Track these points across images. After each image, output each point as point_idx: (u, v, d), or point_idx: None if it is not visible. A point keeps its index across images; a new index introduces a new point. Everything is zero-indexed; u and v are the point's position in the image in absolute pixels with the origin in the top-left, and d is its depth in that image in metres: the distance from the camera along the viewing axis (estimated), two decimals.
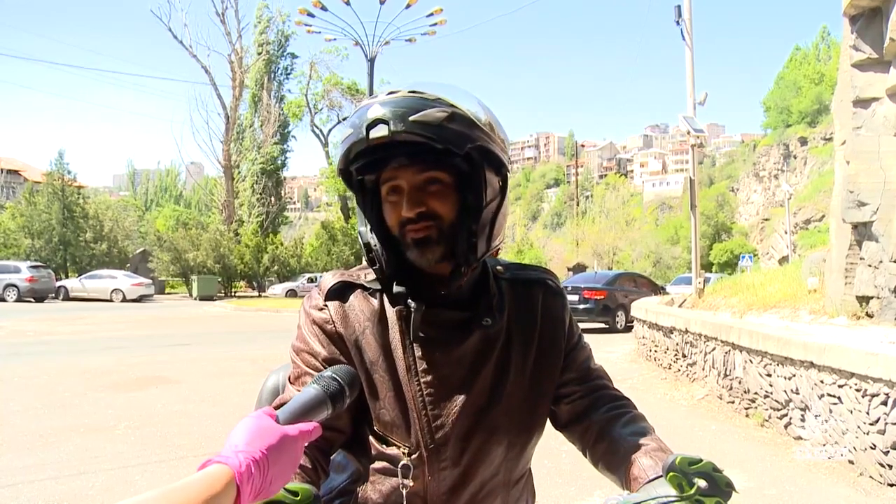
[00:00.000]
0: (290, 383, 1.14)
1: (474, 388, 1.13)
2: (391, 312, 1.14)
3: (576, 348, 1.26)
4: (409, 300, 1.11)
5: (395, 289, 1.12)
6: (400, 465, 1.10)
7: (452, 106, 1.04)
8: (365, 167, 1.10)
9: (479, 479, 1.14)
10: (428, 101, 1.02)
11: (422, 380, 1.11)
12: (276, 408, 1.09)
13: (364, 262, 1.20)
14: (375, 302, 1.16)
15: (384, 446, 1.13)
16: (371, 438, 1.14)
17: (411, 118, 1.00)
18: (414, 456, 1.11)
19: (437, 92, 1.05)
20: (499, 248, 1.20)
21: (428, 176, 1.08)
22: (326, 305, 1.16)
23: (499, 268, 1.24)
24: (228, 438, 0.83)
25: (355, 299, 1.16)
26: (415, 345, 1.12)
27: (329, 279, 1.19)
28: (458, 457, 1.12)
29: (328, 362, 1.12)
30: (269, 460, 0.81)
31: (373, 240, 1.12)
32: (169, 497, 0.72)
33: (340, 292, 1.17)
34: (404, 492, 1.10)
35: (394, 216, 1.10)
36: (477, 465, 1.13)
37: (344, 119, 41.35)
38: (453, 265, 1.10)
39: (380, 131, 1.00)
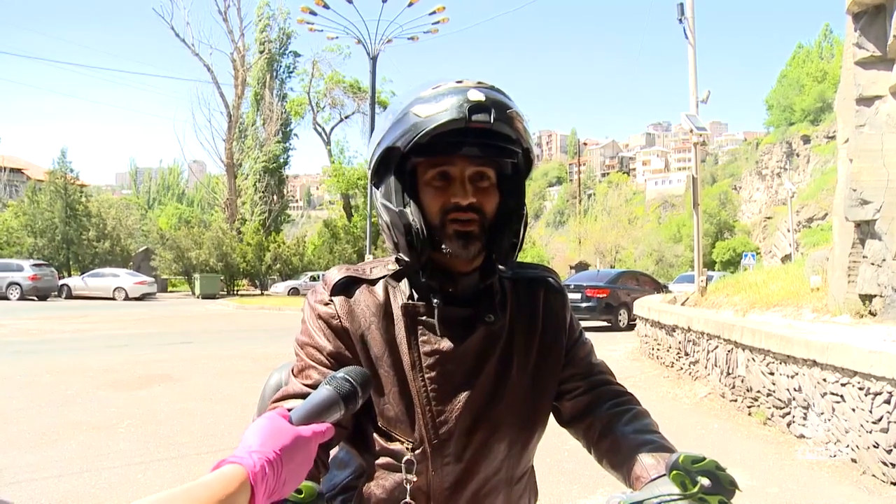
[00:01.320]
0: (294, 376, 1.14)
1: (477, 385, 1.13)
2: (397, 308, 1.14)
3: (577, 344, 1.27)
4: (433, 297, 1.12)
5: (426, 282, 1.13)
6: (403, 461, 1.10)
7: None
8: (420, 149, 1.06)
9: (481, 475, 1.14)
10: (511, 99, 1.07)
11: (426, 375, 1.11)
12: (278, 400, 1.10)
13: (369, 259, 1.20)
14: (381, 297, 1.16)
15: (387, 441, 1.13)
16: (374, 434, 1.14)
17: (508, 111, 1.03)
18: (417, 451, 1.11)
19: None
20: None
21: (479, 170, 1.10)
22: (332, 300, 1.15)
23: (501, 266, 1.24)
24: (242, 439, 0.84)
25: (361, 294, 1.16)
26: (421, 340, 1.12)
27: (335, 274, 1.19)
28: (461, 453, 1.12)
29: (333, 356, 1.12)
30: (283, 461, 0.82)
31: (417, 222, 1.08)
32: (183, 497, 0.72)
33: (346, 287, 1.16)
34: (408, 487, 1.10)
35: (437, 202, 1.09)
36: (480, 462, 1.13)
37: (347, 117, 41.51)
38: (481, 262, 1.13)
39: (482, 117, 1.01)
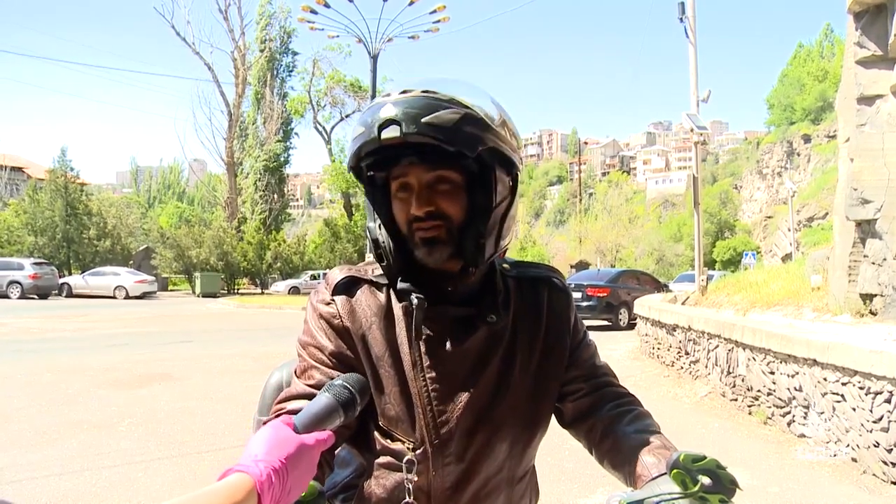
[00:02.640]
0: (297, 377, 1.15)
1: (479, 385, 1.13)
2: (398, 308, 1.15)
3: (581, 346, 1.26)
4: (414, 296, 1.10)
5: (401, 285, 1.12)
6: (404, 461, 1.10)
7: (465, 107, 1.03)
8: (375, 164, 1.10)
9: (482, 475, 1.14)
10: (441, 102, 1.02)
11: (427, 375, 1.11)
12: (282, 401, 1.10)
13: (370, 258, 1.20)
14: (382, 297, 1.16)
15: (388, 441, 1.13)
16: (375, 433, 1.14)
17: (423, 120, 1.00)
18: (418, 451, 1.11)
19: (450, 90, 1.04)
20: (507, 248, 1.20)
21: (438, 175, 1.08)
22: (334, 300, 1.16)
23: (505, 265, 1.24)
24: (247, 447, 0.85)
25: (362, 294, 1.16)
26: (421, 340, 1.12)
27: (336, 274, 1.19)
28: (462, 452, 1.12)
29: (335, 356, 1.13)
30: (288, 469, 0.83)
31: (381, 236, 1.12)
32: None
33: (347, 287, 1.17)
34: (410, 487, 1.10)
35: (402, 213, 1.10)
36: (481, 462, 1.13)
37: (348, 116, 41.65)
38: (461, 264, 1.11)
39: (391, 132, 1.00)
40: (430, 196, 1.08)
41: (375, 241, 1.13)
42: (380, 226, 1.13)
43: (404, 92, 1.04)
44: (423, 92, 1.03)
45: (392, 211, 1.13)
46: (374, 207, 1.14)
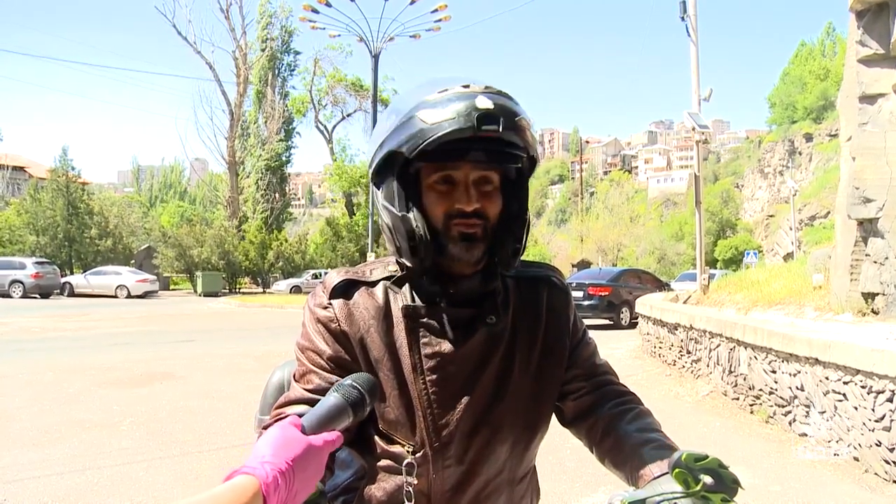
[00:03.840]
0: (295, 381, 1.14)
1: (479, 386, 1.13)
2: (396, 310, 1.14)
3: (580, 344, 1.26)
4: (435, 298, 1.12)
5: (427, 284, 1.13)
6: (404, 463, 1.10)
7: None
8: (425, 153, 1.04)
9: (483, 476, 1.13)
10: (519, 106, 1.05)
11: (427, 378, 1.11)
12: (281, 406, 1.10)
13: (371, 257, 1.20)
14: (381, 299, 1.15)
15: (388, 444, 1.12)
16: (375, 436, 1.14)
17: (517, 119, 1.02)
18: (418, 454, 1.10)
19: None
20: None
21: (483, 174, 1.09)
22: (331, 303, 1.14)
23: (503, 271, 1.23)
24: (255, 448, 0.84)
25: (360, 297, 1.15)
26: (422, 343, 1.11)
27: (334, 277, 1.18)
28: (462, 455, 1.11)
29: (333, 361, 1.12)
30: (295, 471, 0.82)
31: (420, 228, 1.07)
32: None
33: (345, 290, 1.15)
34: (410, 489, 1.09)
35: (440, 206, 1.08)
36: (481, 463, 1.13)
37: (349, 115, 41.54)
38: (483, 265, 1.12)
39: (491, 125, 1.00)
40: (476, 194, 1.08)
41: (410, 233, 1.07)
42: (416, 216, 1.08)
43: (488, 87, 1.05)
44: (501, 92, 1.06)
45: (422, 203, 1.10)
46: (408, 198, 1.09)
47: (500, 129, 1.00)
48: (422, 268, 1.10)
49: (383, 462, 1.13)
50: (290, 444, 0.84)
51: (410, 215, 1.07)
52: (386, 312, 1.14)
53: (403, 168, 1.09)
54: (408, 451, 1.11)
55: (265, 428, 1.05)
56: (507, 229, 1.11)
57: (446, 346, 1.11)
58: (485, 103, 1.00)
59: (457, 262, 1.09)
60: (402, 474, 1.10)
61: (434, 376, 1.11)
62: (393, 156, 1.07)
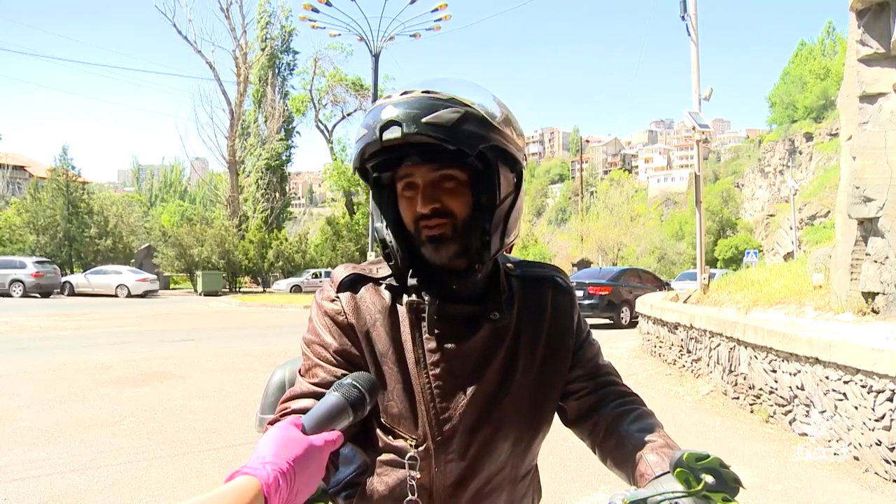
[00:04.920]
0: (301, 375, 1.15)
1: (482, 382, 1.13)
2: (402, 306, 1.15)
3: (584, 345, 1.26)
4: (423, 294, 1.12)
5: (410, 281, 1.13)
6: (407, 458, 1.11)
7: (466, 105, 1.04)
8: (380, 165, 1.12)
9: (485, 473, 1.14)
10: (441, 102, 1.03)
11: (430, 372, 1.12)
12: (287, 401, 1.10)
13: (372, 257, 1.21)
14: (386, 295, 1.16)
15: (391, 438, 1.13)
16: (378, 430, 1.14)
17: (423, 120, 1.01)
18: (421, 448, 1.11)
19: (451, 90, 1.05)
20: (513, 244, 1.20)
21: (443, 173, 1.09)
22: (339, 297, 1.16)
23: (509, 265, 1.24)
24: (256, 449, 0.84)
25: (366, 292, 1.17)
26: (425, 338, 1.12)
27: (341, 271, 1.20)
28: (464, 450, 1.12)
29: (339, 354, 1.13)
30: (296, 471, 0.82)
31: (388, 236, 1.14)
32: None
33: (352, 284, 1.18)
34: (413, 483, 1.10)
35: (409, 212, 1.11)
36: (483, 459, 1.13)
37: (349, 115, 41.68)
38: (467, 262, 1.12)
39: (393, 133, 1.01)
40: (436, 194, 1.09)
41: (383, 242, 1.14)
42: (386, 226, 1.14)
43: (405, 93, 1.05)
44: (424, 92, 1.04)
45: (398, 210, 1.14)
46: (380, 208, 1.16)
47: (402, 135, 1.01)
48: (399, 272, 1.14)
49: (386, 456, 1.14)
50: (291, 445, 0.85)
51: (380, 225, 1.16)
52: (391, 308, 1.15)
53: (378, 179, 1.16)
54: (410, 445, 1.11)
55: (270, 423, 1.06)
56: (476, 221, 1.11)
57: (450, 342, 1.13)
58: (388, 113, 1.02)
59: (430, 262, 1.11)
60: (404, 468, 1.11)
61: (437, 370, 1.12)
62: (364, 170, 1.15)
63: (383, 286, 1.17)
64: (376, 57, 24.14)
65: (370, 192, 1.19)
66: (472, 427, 1.12)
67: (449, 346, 1.12)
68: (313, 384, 1.11)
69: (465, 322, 1.14)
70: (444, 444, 1.11)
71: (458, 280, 1.13)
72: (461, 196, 1.10)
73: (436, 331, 1.12)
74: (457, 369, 1.12)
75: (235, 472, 0.79)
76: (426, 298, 1.12)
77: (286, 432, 0.86)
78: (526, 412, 1.16)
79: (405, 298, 1.14)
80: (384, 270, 1.19)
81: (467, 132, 1.03)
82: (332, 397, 0.94)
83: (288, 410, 1.08)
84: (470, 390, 1.12)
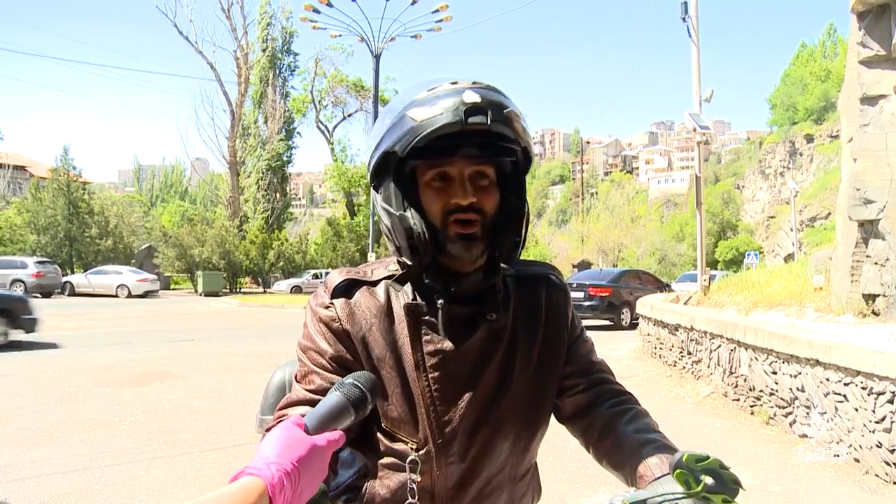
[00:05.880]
0: (297, 382, 1.14)
1: (481, 384, 1.13)
2: (398, 308, 1.14)
3: (578, 341, 1.27)
4: (430, 295, 1.12)
5: (427, 281, 1.13)
6: (408, 461, 1.10)
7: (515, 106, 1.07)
8: (413, 152, 1.05)
9: (485, 473, 1.14)
10: (508, 98, 1.06)
11: (430, 375, 1.11)
12: (284, 408, 1.10)
13: (372, 257, 1.20)
14: (382, 298, 1.15)
15: (391, 442, 1.13)
16: (378, 434, 1.14)
17: (505, 111, 1.02)
18: (422, 451, 1.11)
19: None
20: None
21: (478, 169, 1.09)
22: (332, 303, 1.15)
23: (504, 266, 1.24)
24: (259, 449, 0.85)
25: (361, 296, 1.16)
26: (424, 340, 1.12)
27: (335, 277, 1.18)
28: (464, 452, 1.12)
29: (335, 360, 1.12)
30: (300, 471, 0.83)
31: (418, 226, 1.07)
32: None
33: (347, 289, 1.16)
34: (414, 487, 1.10)
35: (438, 203, 1.09)
36: (483, 460, 1.13)
37: (350, 115, 41.54)
38: (484, 261, 1.13)
39: (478, 119, 1.01)
40: (471, 189, 1.09)
41: (408, 231, 1.08)
42: (413, 215, 1.08)
43: (476, 83, 1.05)
44: (490, 86, 1.06)
45: (420, 202, 1.10)
46: (406, 197, 1.10)
47: (489, 122, 1.01)
48: (422, 266, 1.11)
49: (386, 460, 1.14)
50: (295, 445, 0.85)
51: (408, 214, 1.08)
52: (387, 311, 1.14)
53: (400, 168, 1.10)
54: (411, 449, 1.11)
55: (268, 430, 1.06)
56: (506, 223, 1.12)
57: (448, 343, 1.12)
58: (472, 97, 1.01)
59: (457, 260, 1.10)
60: (405, 472, 1.11)
61: (437, 373, 1.11)
62: (388, 156, 1.08)
63: (379, 287, 1.16)
64: (377, 58, 24.17)
65: (374, 184, 1.14)
66: (472, 429, 1.12)
67: (447, 347, 1.12)
68: (310, 391, 1.10)
69: (462, 323, 1.14)
70: (445, 447, 1.11)
71: (459, 283, 1.13)
72: (492, 195, 1.11)
73: (433, 332, 1.12)
74: (455, 372, 1.12)
75: (240, 472, 0.80)
76: (425, 300, 1.11)
77: (289, 432, 0.86)
78: (524, 411, 1.16)
79: (403, 300, 1.13)
80: (379, 272, 1.18)
81: (523, 130, 1.07)
82: (334, 397, 0.93)
83: (285, 418, 1.08)
84: (469, 392, 1.12)
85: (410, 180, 1.11)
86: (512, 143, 1.06)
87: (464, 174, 1.08)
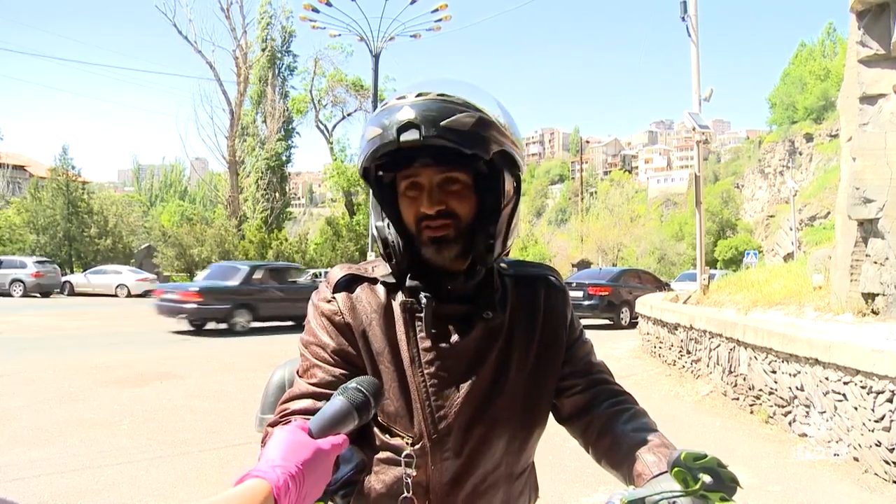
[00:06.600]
0: (299, 376, 1.16)
1: (476, 380, 1.14)
2: (397, 305, 1.16)
3: (577, 342, 1.27)
4: (422, 294, 1.13)
5: (409, 283, 1.14)
6: (403, 455, 1.11)
7: (479, 110, 1.05)
8: (386, 164, 1.12)
9: (481, 470, 1.15)
10: (457, 106, 1.04)
11: (425, 371, 1.13)
12: (286, 401, 1.12)
13: (371, 257, 1.21)
14: (382, 295, 1.18)
15: (387, 436, 1.14)
16: (375, 429, 1.15)
17: (442, 123, 1.02)
18: (417, 446, 1.12)
19: (460, 93, 1.06)
20: (510, 247, 1.21)
21: (448, 175, 1.10)
22: (335, 297, 1.17)
23: (503, 265, 1.25)
24: (264, 452, 0.86)
25: (362, 292, 1.18)
26: (419, 337, 1.14)
27: (337, 272, 1.21)
28: (459, 448, 1.13)
29: (337, 353, 1.14)
30: (305, 475, 0.83)
31: (391, 235, 1.14)
32: None
33: (348, 284, 1.19)
34: (409, 481, 1.11)
35: (411, 212, 1.12)
36: (479, 457, 1.14)
37: (349, 115, 41.66)
38: (467, 263, 1.14)
39: (411, 135, 1.01)
40: (441, 195, 1.10)
41: (384, 240, 1.14)
42: (388, 225, 1.14)
43: (420, 95, 1.05)
44: (439, 96, 1.05)
45: (399, 210, 1.14)
46: (382, 207, 1.16)
47: (420, 137, 1.01)
48: (399, 272, 1.15)
49: (383, 454, 1.15)
50: (300, 448, 0.85)
51: (383, 224, 1.15)
52: (387, 307, 1.17)
53: (380, 179, 1.16)
54: (407, 443, 1.12)
55: (271, 425, 1.07)
56: (480, 225, 1.12)
57: (444, 340, 1.14)
58: (406, 114, 1.02)
59: (431, 263, 1.12)
60: (400, 466, 1.12)
61: (432, 369, 1.13)
62: (366, 170, 1.14)
63: (379, 285, 1.19)
64: (376, 57, 24.16)
65: (370, 190, 1.19)
66: (467, 425, 1.13)
67: (443, 345, 1.14)
68: (312, 384, 1.12)
69: (458, 321, 1.15)
70: (440, 442, 1.12)
71: (453, 280, 1.14)
72: (466, 199, 1.12)
73: (431, 330, 1.14)
74: (451, 368, 1.14)
75: (245, 474, 0.80)
76: (422, 298, 1.13)
77: (295, 436, 0.87)
78: (520, 410, 1.17)
79: (400, 298, 1.16)
80: (380, 269, 1.20)
81: (481, 137, 1.05)
82: (338, 402, 0.94)
83: (287, 411, 1.09)
84: (464, 388, 1.13)
85: (392, 189, 1.16)
86: (465, 150, 1.03)
87: (433, 182, 1.10)
